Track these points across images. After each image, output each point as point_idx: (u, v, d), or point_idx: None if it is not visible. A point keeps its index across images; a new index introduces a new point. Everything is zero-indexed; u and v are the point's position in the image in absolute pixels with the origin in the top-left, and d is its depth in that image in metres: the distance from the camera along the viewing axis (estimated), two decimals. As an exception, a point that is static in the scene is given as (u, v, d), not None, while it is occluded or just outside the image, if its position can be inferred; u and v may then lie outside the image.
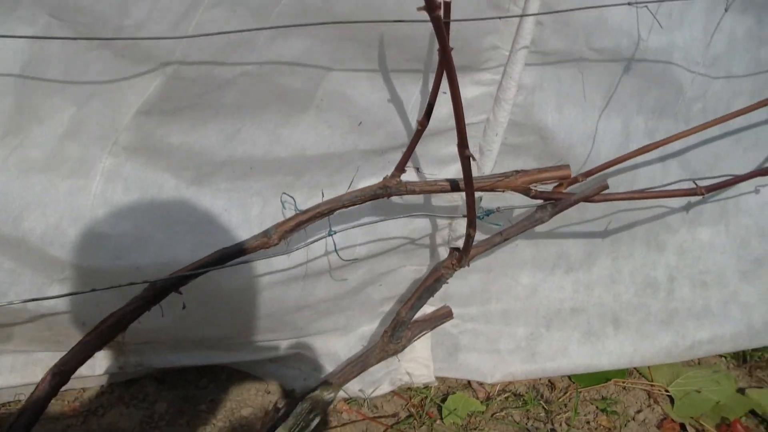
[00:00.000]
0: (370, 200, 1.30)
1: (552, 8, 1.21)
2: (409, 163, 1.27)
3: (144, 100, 1.07)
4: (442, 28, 0.94)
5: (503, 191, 1.36)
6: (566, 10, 1.21)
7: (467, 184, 1.22)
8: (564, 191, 1.41)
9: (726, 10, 1.20)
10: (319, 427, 1.39)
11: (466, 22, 1.16)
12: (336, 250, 1.32)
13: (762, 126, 1.70)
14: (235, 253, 1.23)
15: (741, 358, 2.08)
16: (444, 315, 1.54)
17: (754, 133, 1.73)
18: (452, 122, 1.31)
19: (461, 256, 1.40)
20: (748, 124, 1.69)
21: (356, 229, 1.38)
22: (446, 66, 0.98)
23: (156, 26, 0.97)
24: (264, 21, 1.04)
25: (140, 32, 0.97)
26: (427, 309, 1.56)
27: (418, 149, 1.28)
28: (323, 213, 1.26)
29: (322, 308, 1.52)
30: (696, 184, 1.44)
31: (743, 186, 1.79)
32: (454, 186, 1.31)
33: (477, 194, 1.41)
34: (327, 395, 1.43)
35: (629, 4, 1.26)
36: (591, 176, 1.44)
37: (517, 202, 1.46)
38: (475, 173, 1.26)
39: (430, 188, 1.32)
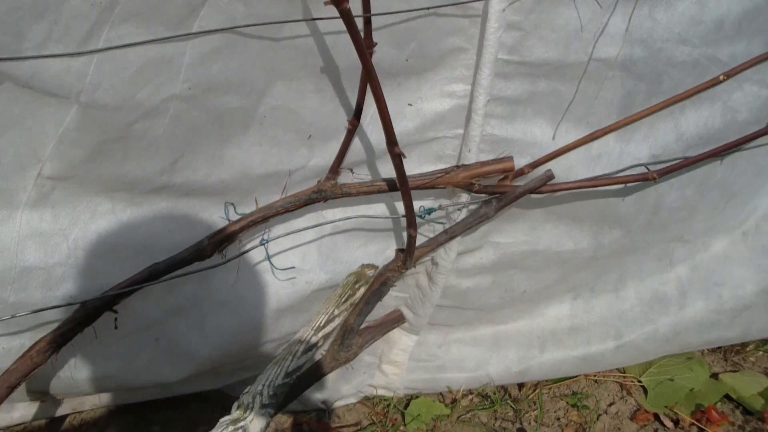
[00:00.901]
0: (305, 205, 1.26)
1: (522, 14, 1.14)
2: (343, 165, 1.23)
3: (62, 131, 1.00)
4: (352, 22, 0.89)
5: (445, 188, 1.30)
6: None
7: (401, 183, 1.17)
8: (510, 184, 1.36)
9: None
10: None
11: (421, 20, 1.10)
12: (269, 258, 1.26)
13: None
14: (167, 267, 1.19)
15: (716, 342, 2.03)
16: (395, 319, 1.49)
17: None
18: (419, 136, 1.28)
19: (405, 257, 1.35)
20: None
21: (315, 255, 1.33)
22: (363, 62, 0.93)
23: (57, 47, 0.91)
24: (185, 37, 0.97)
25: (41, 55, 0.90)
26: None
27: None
28: (256, 221, 1.23)
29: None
30: (648, 168, 1.38)
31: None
32: (391, 185, 1.26)
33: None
34: (369, 272, 1.40)
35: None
36: (537, 167, 1.39)
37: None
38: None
39: (366, 189, 1.27)
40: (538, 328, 1.70)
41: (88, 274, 1.15)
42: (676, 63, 1.28)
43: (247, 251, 1.25)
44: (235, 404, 1.14)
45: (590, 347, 1.70)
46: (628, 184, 1.42)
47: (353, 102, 1.19)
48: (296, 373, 1.18)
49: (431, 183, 1.29)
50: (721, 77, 1.36)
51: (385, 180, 1.27)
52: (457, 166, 1.29)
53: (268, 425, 1.10)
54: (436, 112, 1.27)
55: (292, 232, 1.30)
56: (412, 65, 1.18)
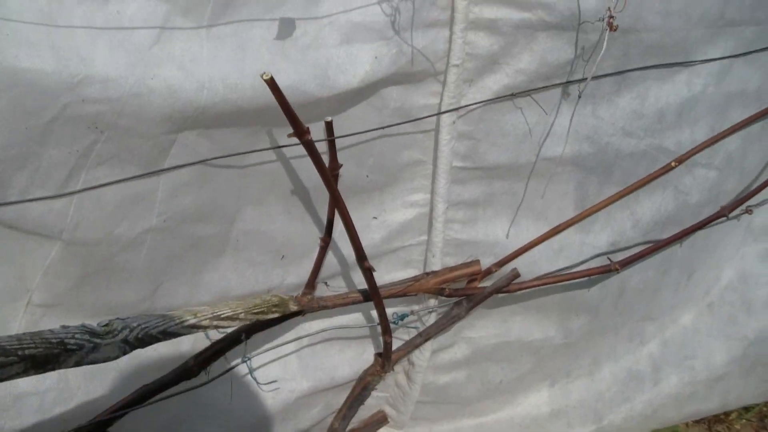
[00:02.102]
0: (287, 319, 1.28)
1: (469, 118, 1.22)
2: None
3: (48, 264, 1.07)
4: (315, 152, 0.96)
5: (416, 295, 1.36)
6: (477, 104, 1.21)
7: (373, 295, 1.23)
8: (478, 286, 1.43)
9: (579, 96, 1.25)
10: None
11: (377, 139, 1.18)
12: (251, 373, 1.31)
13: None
14: (157, 389, 1.22)
15: (699, 412, 2.06)
16: (379, 420, 1.53)
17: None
18: (386, 246, 1.34)
19: (383, 362, 1.40)
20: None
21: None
22: (328, 188, 1.00)
23: (39, 191, 0.98)
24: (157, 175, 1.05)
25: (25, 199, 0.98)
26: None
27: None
28: (240, 338, 1.25)
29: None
30: (610, 260, 1.45)
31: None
32: (365, 296, 1.31)
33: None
34: (292, 305, 1.28)
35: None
36: (503, 265, 1.45)
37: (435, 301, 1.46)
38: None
39: (342, 301, 1.31)
40: (519, 416, 1.73)
41: (78, 397, 1.19)
42: (624, 155, 1.36)
43: (231, 368, 1.30)
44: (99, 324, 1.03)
45: (572, 431, 1.74)
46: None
47: (322, 219, 1.25)
48: (171, 338, 1.13)
49: (403, 291, 1.34)
50: (673, 164, 1.42)
51: (359, 291, 1.32)
52: (427, 273, 1.34)
53: (117, 357, 1.00)
54: (400, 223, 1.33)
55: (274, 347, 1.36)
56: (374, 180, 1.24)
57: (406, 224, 1.34)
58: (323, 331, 1.38)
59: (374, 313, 1.40)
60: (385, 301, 1.26)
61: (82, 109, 0.92)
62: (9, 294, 1.08)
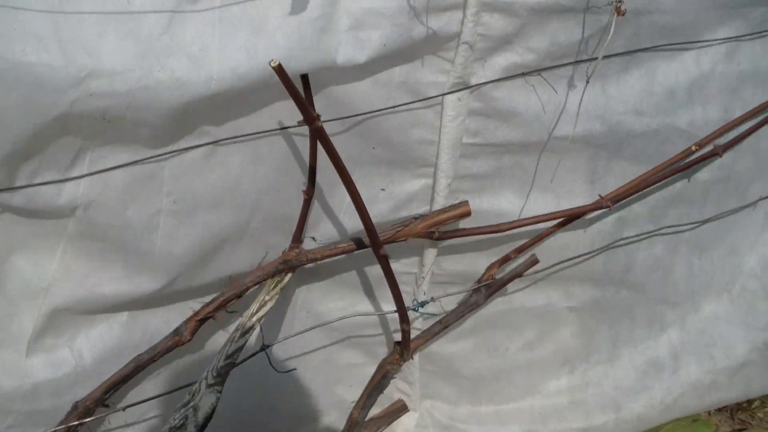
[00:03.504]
0: (273, 276, 1.27)
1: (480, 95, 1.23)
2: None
3: (63, 248, 1.09)
4: (326, 139, 0.98)
5: (405, 240, 1.32)
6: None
7: (390, 283, 1.24)
8: (496, 269, 1.43)
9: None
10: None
11: (384, 115, 1.18)
12: (271, 363, 1.32)
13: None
14: (149, 359, 1.23)
15: (721, 400, 2.04)
16: (399, 409, 1.54)
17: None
18: (392, 216, 1.34)
19: (402, 350, 1.41)
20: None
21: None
22: (339, 173, 1.01)
23: (47, 174, 0.99)
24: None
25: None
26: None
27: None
28: (229, 299, 1.25)
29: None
30: (600, 196, 1.40)
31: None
32: (359, 244, 1.29)
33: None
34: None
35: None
36: (522, 252, 1.46)
37: (455, 287, 1.47)
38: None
39: (331, 253, 1.29)
40: (540, 405, 1.73)
41: (93, 380, 1.21)
42: (636, 134, 1.36)
43: (249, 357, 1.31)
44: (188, 393, 1.20)
45: (591, 420, 1.73)
46: (588, 229, 1.48)
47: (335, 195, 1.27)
48: (237, 354, 1.22)
49: (392, 237, 1.30)
50: (693, 147, 1.44)
51: (350, 241, 1.30)
52: (415, 218, 1.31)
53: (218, 399, 1.17)
54: (408, 192, 1.32)
55: (293, 335, 1.37)
56: (380, 154, 1.25)
57: (413, 194, 1.34)
58: (342, 318, 1.39)
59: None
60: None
61: (90, 103, 0.92)
62: (26, 285, 1.10)
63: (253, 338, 1.26)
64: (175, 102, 0.97)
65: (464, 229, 1.35)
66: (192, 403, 1.17)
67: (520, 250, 1.44)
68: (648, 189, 1.46)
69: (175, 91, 0.96)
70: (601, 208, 1.39)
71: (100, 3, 0.91)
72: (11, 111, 0.88)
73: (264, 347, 1.30)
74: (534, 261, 1.44)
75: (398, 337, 1.40)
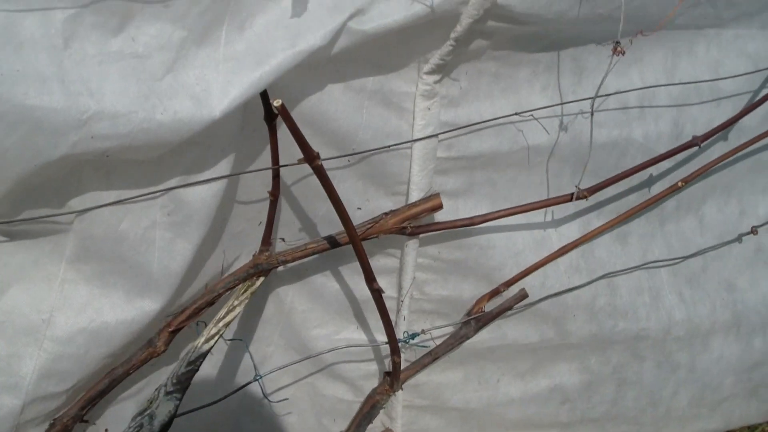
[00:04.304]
0: (245, 281, 1.28)
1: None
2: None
3: (67, 255, 1.08)
4: (325, 177, 1.02)
5: (377, 237, 1.30)
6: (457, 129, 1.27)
7: (383, 318, 1.26)
8: (485, 302, 1.46)
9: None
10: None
11: (360, 126, 1.21)
12: (265, 395, 1.33)
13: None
14: (125, 372, 1.19)
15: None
16: (386, 438, 1.55)
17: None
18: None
19: (392, 381, 1.42)
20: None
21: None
22: (338, 212, 1.06)
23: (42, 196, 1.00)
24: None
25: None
26: None
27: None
28: (200, 307, 1.24)
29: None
30: (578, 187, 1.39)
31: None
32: (332, 242, 1.28)
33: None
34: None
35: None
36: (511, 285, 1.48)
37: (441, 318, 1.49)
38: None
39: (302, 254, 1.29)
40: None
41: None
42: (596, 145, 1.39)
43: (242, 387, 1.33)
44: (146, 401, 1.17)
45: None
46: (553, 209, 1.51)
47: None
48: (200, 360, 1.19)
49: (363, 234, 1.28)
50: (680, 184, 1.53)
51: (322, 239, 1.29)
52: (386, 213, 1.30)
53: (176, 408, 1.14)
54: (384, 210, 1.32)
55: (287, 365, 1.38)
56: (356, 167, 1.27)
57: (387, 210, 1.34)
58: (334, 349, 1.40)
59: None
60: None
61: (91, 144, 0.93)
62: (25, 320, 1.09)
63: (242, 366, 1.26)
64: (174, 140, 0.99)
65: (438, 223, 1.34)
66: (149, 411, 1.14)
67: (509, 284, 1.46)
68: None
69: (175, 132, 0.98)
70: (579, 198, 1.38)
71: (104, 42, 0.92)
72: (12, 152, 0.88)
73: (257, 377, 1.31)
74: (523, 295, 1.46)
75: (375, 365, 1.42)
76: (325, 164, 1.09)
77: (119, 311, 1.13)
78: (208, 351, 1.20)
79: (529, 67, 1.32)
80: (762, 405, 1.96)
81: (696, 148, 1.49)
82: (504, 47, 1.26)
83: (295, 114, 1.05)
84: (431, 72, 1.21)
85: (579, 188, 1.38)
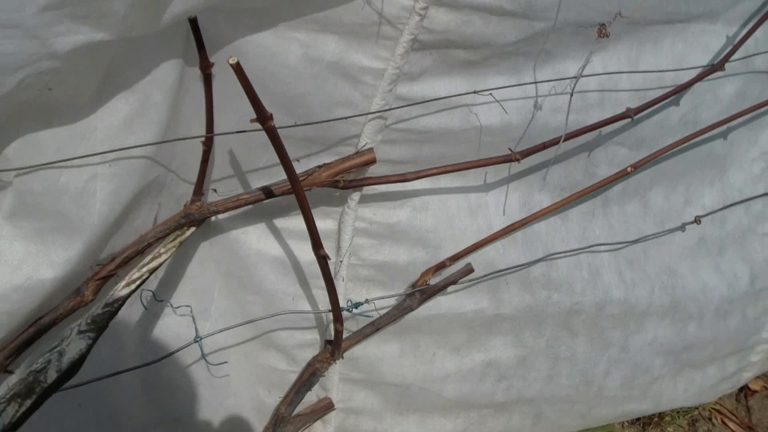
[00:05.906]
0: (176, 230, 1.25)
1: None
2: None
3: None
4: (278, 139, 1.00)
5: (310, 189, 1.29)
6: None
7: (328, 284, 1.25)
8: (431, 275, 1.46)
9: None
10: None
11: (310, 91, 1.20)
12: (203, 356, 1.31)
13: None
14: (51, 321, 1.15)
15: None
16: (325, 407, 1.55)
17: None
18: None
19: (333, 350, 1.42)
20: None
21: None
22: (288, 173, 1.06)
23: None
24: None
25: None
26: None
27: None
28: (130, 257, 1.21)
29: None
30: (511, 150, 1.41)
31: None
32: (267, 193, 1.27)
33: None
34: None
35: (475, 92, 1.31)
36: (458, 260, 1.49)
37: (387, 289, 1.49)
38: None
39: (234, 204, 1.26)
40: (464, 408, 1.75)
41: None
42: (550, 129, 1.43)
43: (180, 349, 1.30)
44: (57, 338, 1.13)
45: (510, 423, 1.78)
46: (488, 176, 1.52)
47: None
48: (117, 303, 1.14)
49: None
50: (629, 169, 1.56)
51: (251, 192, 1.27)
52: (319, 167, 1.29)
53: (88, 347, 1.09)
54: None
55: (226, 328, 1.36)
56: (303, 129, 1.25)
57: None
58: (275, 315, 1.39)
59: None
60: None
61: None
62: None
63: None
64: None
65: (370, 178, 1.34)
66: (58, 348, 1.09)
67: (454, 258, 1.47)
68: (550, 177, 1.56)
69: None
70: (510, 161, 1.40)
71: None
72: None
73: (197, 339, 1.29)
74: (469, 270, 1.48)
75: (311, 334, 1.43)
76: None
77: (58, 269, 1.09)
78: (128, 295, 1.16)
79: (492, 50, 1.31)
80: (689, 386, 2.02)
81: (629, 120, 1.52)
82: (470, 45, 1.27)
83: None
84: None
85: (512, 150, 1.40)
